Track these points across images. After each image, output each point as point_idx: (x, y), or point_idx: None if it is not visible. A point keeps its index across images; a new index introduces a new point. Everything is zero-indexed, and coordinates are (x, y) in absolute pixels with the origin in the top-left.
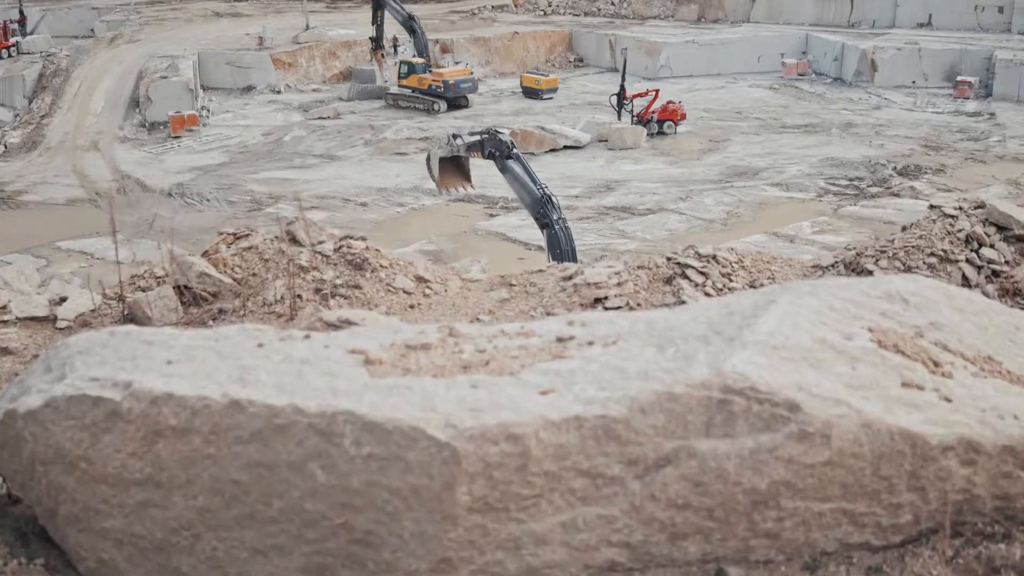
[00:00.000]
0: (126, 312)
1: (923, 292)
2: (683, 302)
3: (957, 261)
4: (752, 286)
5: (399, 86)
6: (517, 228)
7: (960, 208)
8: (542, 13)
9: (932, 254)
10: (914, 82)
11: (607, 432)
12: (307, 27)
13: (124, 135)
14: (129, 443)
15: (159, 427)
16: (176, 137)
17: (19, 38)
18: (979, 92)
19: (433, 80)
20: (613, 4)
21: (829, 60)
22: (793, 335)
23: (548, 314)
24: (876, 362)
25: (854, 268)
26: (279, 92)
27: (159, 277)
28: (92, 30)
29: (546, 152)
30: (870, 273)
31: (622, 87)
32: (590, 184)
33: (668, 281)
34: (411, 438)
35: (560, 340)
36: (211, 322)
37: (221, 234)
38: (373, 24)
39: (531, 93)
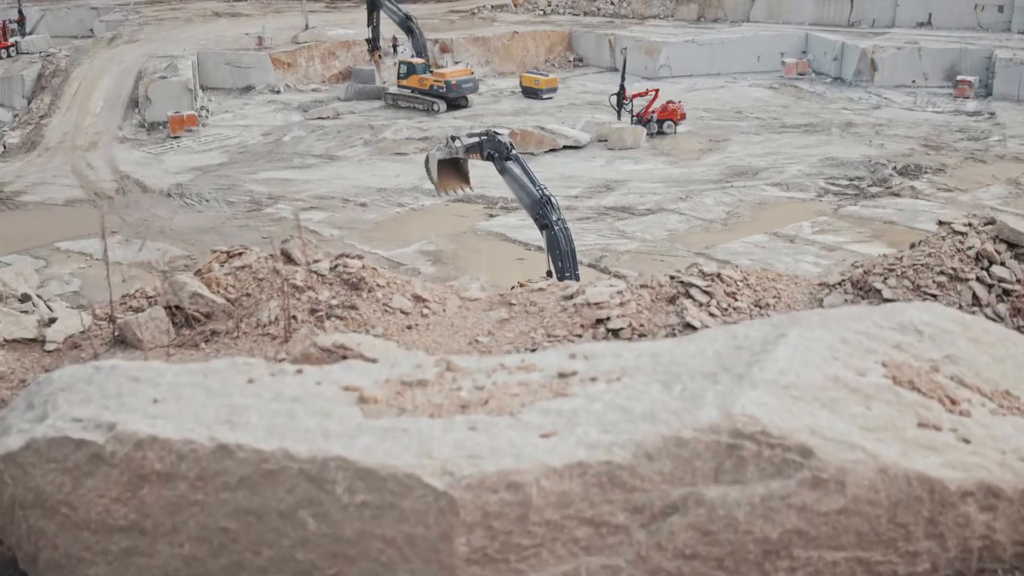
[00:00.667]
0: (116, 334)
1: (937, 322)
2: (687, 323)
3: (967, 280)
4: (757, 305)
5: (399, 86)
6: (517, 228)
7: (970, 225)
8: (541, 13)
9: (942, 272)
10: (914, 81)
11: (611, 479)
12: (306, 27)
13: (123, 135)
14: (113, 488)
15: (144, 472)
16: (175, 137)
17: (18, 38)
18: (979, 91)
19: (435, 80)
20: (613, 4)
21: (829, 60)
22: (804, 372)
23: (549, 335)
24: (891, 400)
25: (861, 287)
26: (278, 92)
27: (151, 297)
28: (91, 30)
29: (546, 152)
30: (878, 292)
31: (622, 87)
32: (590, 184)
33: (671, 300)
34: (406, 486)
35: (562, 376)
36: (203, 344)
37: (214, 252)
38: (369, 26)
39: (531, 93)
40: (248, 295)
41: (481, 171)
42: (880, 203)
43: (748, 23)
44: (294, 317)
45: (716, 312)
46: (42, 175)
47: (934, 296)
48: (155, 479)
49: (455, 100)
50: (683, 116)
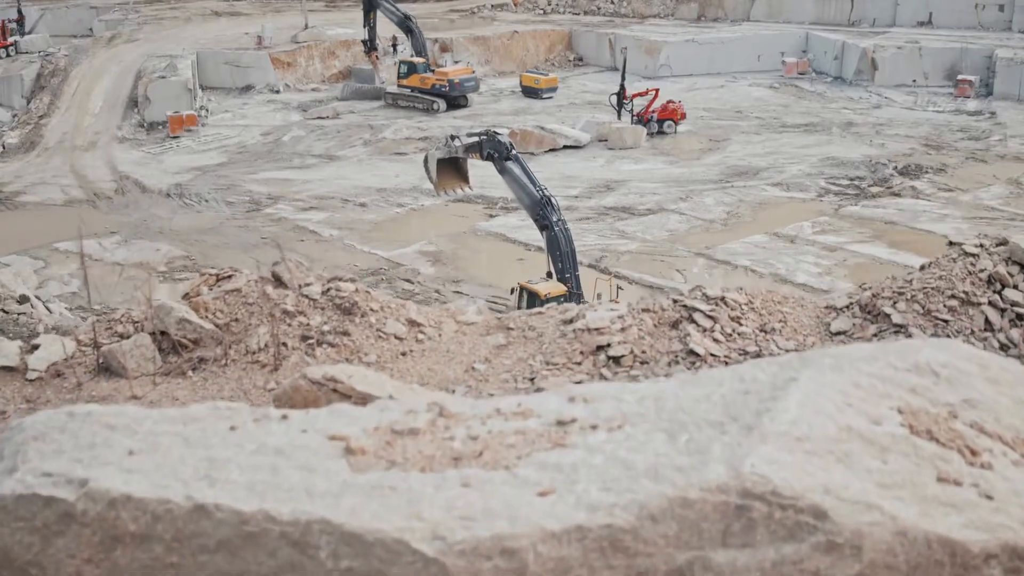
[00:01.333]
0: (101, 361)
1: (954, 362)
2: (690, 350)
3: (979, 304)
4: (763, 330)
5: (399, 86)
6: (517, 228)
7: (981, 246)
8: (541, 12)
9: (953, 296)
10: (914, 81)
11: (613, 543)
12: (306, 26)
13: (122, 135)
14: (85, 548)
15: (117, 532)
16: (175, 137)
17: (17, 37)
18: (980, 91)
19: (437, 79)
20: (613, 3)
21: (829, 59)
22: (817, 423)
23: (548, 363)
24: (909, 452)
25: (870, 310)
26: (278, 92)
27: (137, 321)
28: (90, 29)
29: (546, 152)
30: (887, 317)
31: (622, 86)
32: (590, 184)
33: (674, 325)
34: (394, 552)
35: (560, 423)
36: (191, 373)
37: (203, 275)
38: (365, 26)
39: (531, 92)
40: (237, 320)
41: (481, 171)
42: (881, 203)
43: (748, 22)
44: (284, 344)
45: (720, 338)
46: (41, 175)
47: (945, 321)
48: (129, 540)
49: (458, 99)
50: (683, 116)
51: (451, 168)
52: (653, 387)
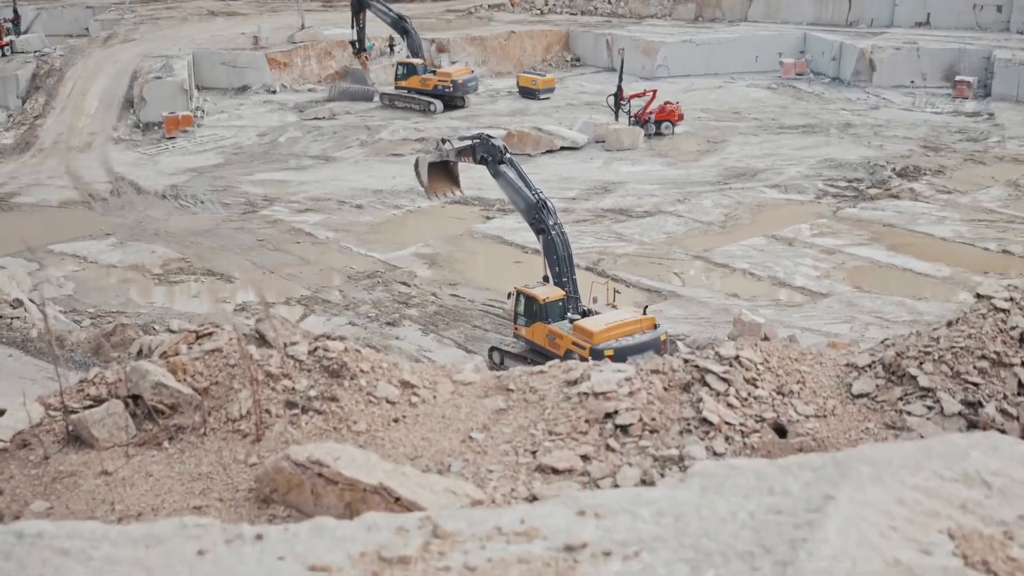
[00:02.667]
0: (71, 429)
1: (1007, 470)
2: (704, 418)
3: (1012, 365)
4: (780, 392)
5: (396, 88)
6: (513, 231)
7: (1011, 299)
8: (539, 12)
9: (983, 357)
10: (912, 82)
11: None
12: (303, 26)
13: (118, 136)
14: None
15: None
16: (170, 138)
17: (13, 37)
18: (978, 92)
19: (440, 80)
20: (610, 3)
21: (827, 59)
22: (861, 556)
23: (551, 433)
24: None
25: (894, 371)
26: (274, 92)
27: (110, 383)
28: (86, 29)
29: (543, 153)
30: (914, 379)
31: (619, 87)
32: (587, 186)
33: (686, 388)
34: None
35: (569, 548)
36: (167, 443)
37: (182, 331)
38: (353, 27)
39: (528, 93)
40: (218, 384)
41: (477, 173)
42: (879, 205)
43: (746, 23)
44: (268, 411)
45: (735, 402)
46: (36, 176)
47: (976, 384)
48: None
49: (460, 99)
50: (681, 117)
51: (442, 172)
52: (671, 498)
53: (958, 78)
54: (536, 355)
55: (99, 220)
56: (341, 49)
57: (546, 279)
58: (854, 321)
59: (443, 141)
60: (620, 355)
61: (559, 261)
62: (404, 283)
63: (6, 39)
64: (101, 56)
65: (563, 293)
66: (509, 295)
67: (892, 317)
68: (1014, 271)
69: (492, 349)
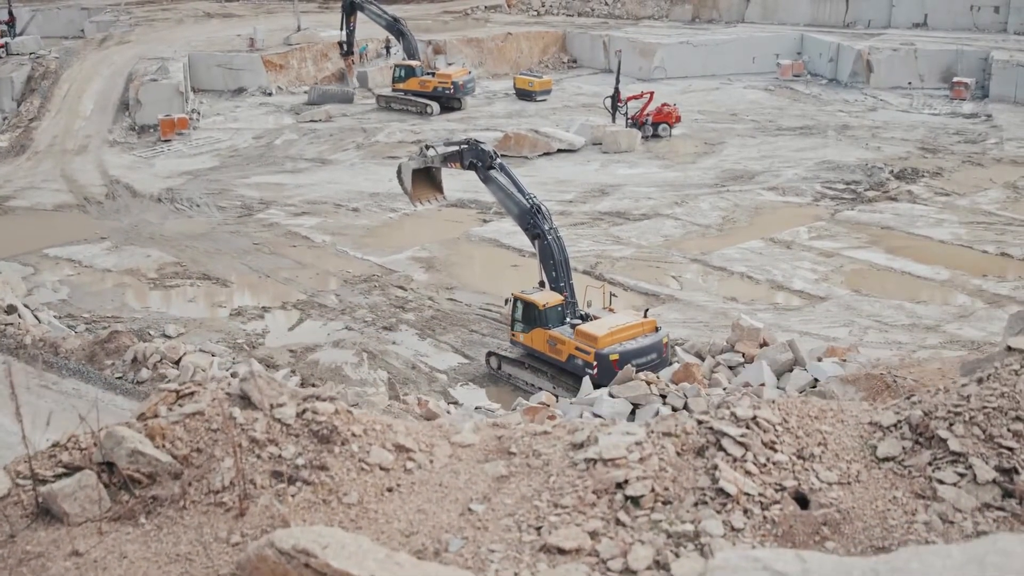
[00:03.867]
0: (40, 501)
1: None
2: (721, 489)
3: None
4: (800, 456)
5: (393, 90)
6: (510, 234)
7: None
8: (535, 13)
9: (1018, 418)
10: (910, 83)
11: None
12: (299, 28)
13: (113, 139)
14: None
15: None
16: (166, 141)
17: (8, 39)
18: (975, 93)
19: (440, 82)
20: (607, 4)
21: (824, 61)
22: None
23: (556, 505)
24: None
25: (922, 432)
26: (270, 94)
27: (84, 449)
28: (82, 31)
29: (540, 155)
30: (943, 441)
31: (616, 89)
32: (584, 188)
33: (700, 452)
34: None
35: None
36: (143, 518)
37: (161, 391)
38: (342, 29)
39: (524, 95)
40: (199, 450)
41: (473, 175)
42: (877, 207)
43: (743, 24)
44: (252, 481)
45: (753, 469)
46: (31, 179)
47: (1011, 449)
48: None
49: (458, 101)
50: (678, 119)
51: (425, 178)
52: None
53: (956, 79)
54: (535, 361)
55: (94, 224)
56: (337, 51)
57: (542, 284)
58: (853, 325)
59: (427, 147)
60: (625, 359)
61: (556, 266)
62: (401, 287)
63: (1, 41)
64: (96, 58)
65: (562, 298)
66: (506, 301)
67: (891, 321)
68: (1013, 274)
69: (490, 354)
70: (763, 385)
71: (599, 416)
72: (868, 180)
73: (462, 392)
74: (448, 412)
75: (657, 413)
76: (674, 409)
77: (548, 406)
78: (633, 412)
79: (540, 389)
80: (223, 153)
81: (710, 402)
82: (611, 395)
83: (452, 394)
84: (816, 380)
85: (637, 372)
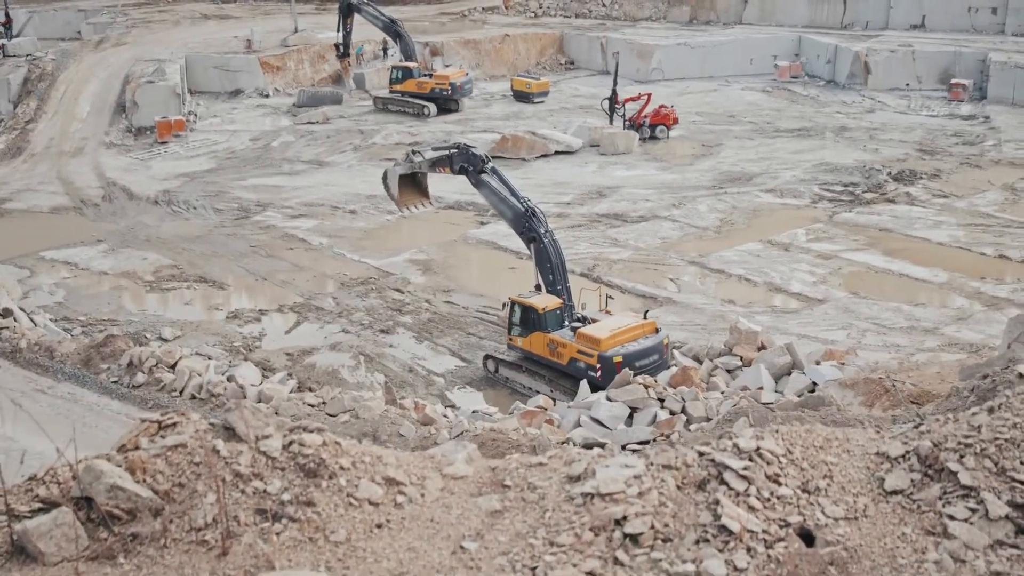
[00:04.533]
0: (15, 539)
1: None
2: (722, 525)
3: None
4: (805, 490)
5: (390, 91)
6: (508, 236)
7: None
8: (533, 15)
9: None
10: (908, 85)
11: None
12: (296, 30)
13: (110, 141)
14: None
15: None
16: (163, 143)
17: (5, 41)
18: (973, 95)
19: (438, 83)
20: (604, 6)
21: (822, 62)
22: None
23: (552, 543)
24: None
25: (931, 463)
26: (267, 96)
27: (62, 483)
28: (79, 32)
29: (537, 157)
30: (953, 474)
31: (614, 91)
32: (582, 190)
33: (701, 486)
34: None
35: None
36: (122, 557)
37: (143, 422)
38: (339, 31)
39: (522, 96)
40: (181, 485)
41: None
42: (875, 209)
43: (740, 25)
44: (236, 518)
45: (757, 504)
46: (27, 182)
47: (1022, 483)
48: None
49: (455, 103)
50: (676, 120)
51: (412, 184)
52: None
53: (953, 81)
54: (534, 365)
55: (90, 226)
56: (334, 52)
57: (538, 287)
58: (851, 327)
59: (414, 152)
60: (628, 360)
61: (553, 269)
62: (398, 290)
63: None
64: (93, 60)
65: (560, 301)
66: (504, 305)
67: (889, 323)
68: (1011, 276)
69: (487, 357)
70: (761, 389)
71: (597, 420)
72: (866, 182)
73: (459, 395)
74: (445, 416)
75: (655, 417)
76: (672, 413)
77: (546, 409)
78: (631, 416)
79: (538, 392)
80: (220, 155)
81: (708, 407)
82: (609, 399)
83: (449, 397)
84: (814, 384)
85: (637, 374)
